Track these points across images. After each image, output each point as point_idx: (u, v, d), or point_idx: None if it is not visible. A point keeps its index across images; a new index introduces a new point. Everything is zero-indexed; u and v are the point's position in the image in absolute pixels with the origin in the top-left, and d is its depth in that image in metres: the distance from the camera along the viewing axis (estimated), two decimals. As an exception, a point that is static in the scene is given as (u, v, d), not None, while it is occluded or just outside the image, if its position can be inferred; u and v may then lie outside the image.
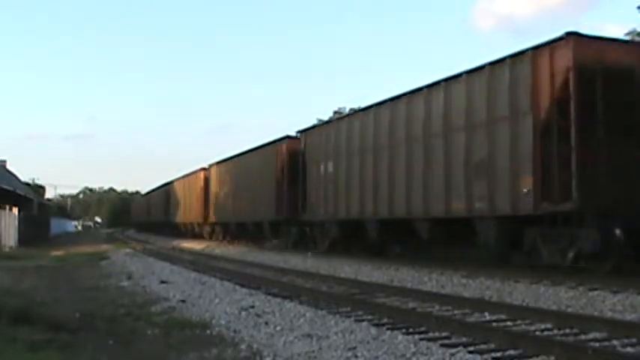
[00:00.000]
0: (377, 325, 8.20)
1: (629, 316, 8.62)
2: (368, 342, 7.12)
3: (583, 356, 6.03)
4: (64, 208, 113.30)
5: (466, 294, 11.27)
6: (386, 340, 7.25)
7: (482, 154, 14.63)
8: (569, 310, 9.33)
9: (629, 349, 6.58)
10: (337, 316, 9.09)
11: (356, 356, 6.46)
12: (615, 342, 6.89)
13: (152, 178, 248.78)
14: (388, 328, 7.97)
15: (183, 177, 47.83)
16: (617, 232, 12.36)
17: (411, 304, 10.13)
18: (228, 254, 26.00)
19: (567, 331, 7.62)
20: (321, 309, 9.76)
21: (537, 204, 12.96)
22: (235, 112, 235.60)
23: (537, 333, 7.60)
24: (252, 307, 10.01)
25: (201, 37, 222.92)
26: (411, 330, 7.83)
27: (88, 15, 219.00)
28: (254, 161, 30.18)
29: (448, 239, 16.98)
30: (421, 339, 7.23)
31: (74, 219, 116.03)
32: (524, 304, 9.86)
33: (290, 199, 25.06)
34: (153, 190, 68.13)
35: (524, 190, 13.16)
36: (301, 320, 8.71)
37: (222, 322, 8.73)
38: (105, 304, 10.56)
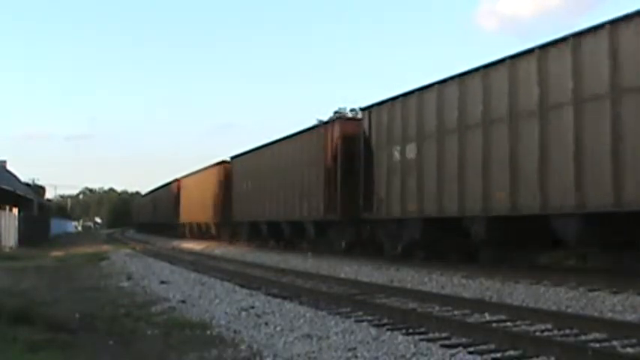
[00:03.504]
0: (377, 326, 8.20)
1: (629, 317, 8.61)
2: (368, 342, 7.12)
3: (583, 357, 6.03)
4: (64, 208, 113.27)
5: (466, 294, 11.26)
6: (386, 340, 7.25)
7: None
8: (569, 310, 9.32)
9: (629, 350, 6.58)
10: (337, 316, 9.08)
11: (356, 357, 6.46)
12: (615, 342, 6.89)
13: (152, 178, 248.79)
14: (388, 329, 7.97)
15: (252, 151, 30.74)
16: None
17: (411, 305, 10.13)
18: (228, 255, 25.99)
19: (567, 331, 7.62)
20: (321, 309, 9.76)
21: None
22: (236, 112, 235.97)
23: (537, 333, 7.59)
24: (252, 307, 10.00)
25: (202, 37, 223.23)
26: (411, 330, 7.83)
27: (88, 15, 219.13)
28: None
29: None
30: (421, 339, 7.23)
31: (74, 219, 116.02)
32: (524, 304, 9.84)
33: None
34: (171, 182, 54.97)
35: None
36: (301, 321, 8.71)
37: (222, 322, 8.72)
38: (105, 305, 10.56)
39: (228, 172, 34.43)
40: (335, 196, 20.95)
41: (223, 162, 35.90)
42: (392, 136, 18.25)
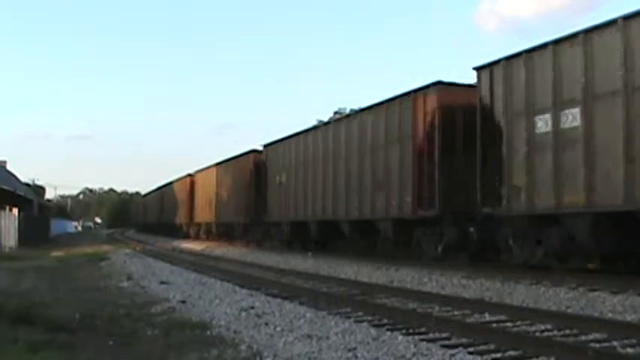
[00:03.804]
0: (377, 326, 8.20)
1: (629, 317, 8.62)
2: (368, 343, 7.12)
3: (583, 357, 6.02)
4: (64, 208, 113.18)
5: (466, 295, 11.27)
6: (386, 340, 7.25)
7: None
8: (569, 311, 9.33)
9: (629, 350, 6.58)
10: (337, 316, 9.08)
11: (356, 357, 6.45)
12: (615, 343, 6.89)
13: (152, 178, 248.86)
14: (388, 329, 7.97)
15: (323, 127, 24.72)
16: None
17: (411, 305, 10.13)
18: (228, 255, 25.99)
19: (567, 332, 7.62)
20: (321, 310, 9.76)
21: None
22: (236, 112, 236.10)
23: (537, 334, 7.59)
24: (252, 307, 10.00)
25: (202, 37, 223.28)
26: (411, 331, 7.83)
27: (89, 15, 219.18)
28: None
29: None
30: (421, 340, 7.23)
31: (74, 220, 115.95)
32: (524, 304, 9.85)
33: None
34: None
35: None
36: (301, 321, 8.71)
37: (223, 322, 8.72)
38: (105, 305, 10.55)
39: (260, 163, 29.57)
40: (432, 185, 16.44)
41: (253, 151, 30.99)
42: (534, 100, 13.45)
